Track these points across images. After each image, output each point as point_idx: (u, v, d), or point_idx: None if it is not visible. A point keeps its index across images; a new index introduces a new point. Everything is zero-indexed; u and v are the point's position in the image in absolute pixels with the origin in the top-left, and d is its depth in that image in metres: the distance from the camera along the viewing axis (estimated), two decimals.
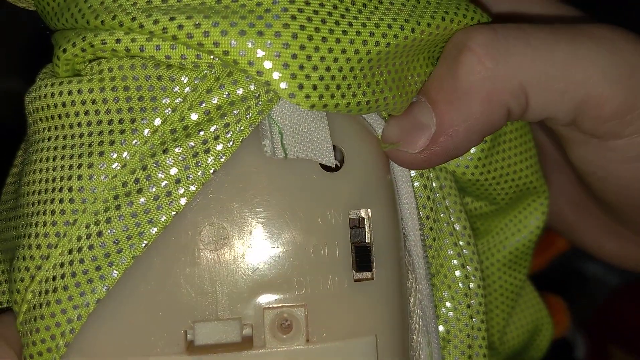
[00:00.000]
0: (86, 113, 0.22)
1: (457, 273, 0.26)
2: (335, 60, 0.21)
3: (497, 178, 0.28)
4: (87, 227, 0.21)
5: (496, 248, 0.31)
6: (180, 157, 0.21)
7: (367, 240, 0.23)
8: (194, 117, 0.21)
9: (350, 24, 0.21)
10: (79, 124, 0.22)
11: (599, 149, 0.26)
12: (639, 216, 0.29)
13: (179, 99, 0.21)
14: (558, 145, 0.29)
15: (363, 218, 0.23)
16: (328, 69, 0.21)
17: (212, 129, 0.21)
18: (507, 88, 0.23)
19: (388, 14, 0.22)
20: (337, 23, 0.21)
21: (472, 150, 0.26)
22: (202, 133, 0.21)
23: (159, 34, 0.21)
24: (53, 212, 0.22)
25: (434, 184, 0.26)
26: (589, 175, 0.27)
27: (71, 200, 0.21)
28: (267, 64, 0.20)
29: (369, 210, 0.23)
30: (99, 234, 0.21)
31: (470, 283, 0.26)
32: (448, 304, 0.26)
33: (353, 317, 0.23)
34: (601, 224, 0.32)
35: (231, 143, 0.21)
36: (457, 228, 0.27)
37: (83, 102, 0.22)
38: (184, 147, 0.21)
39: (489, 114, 0.23)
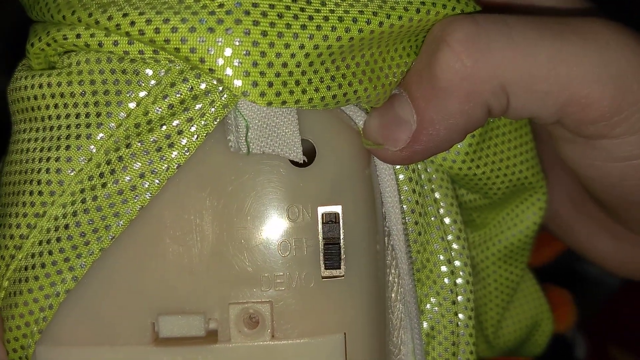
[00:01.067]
0: (55, 106, 0.22)
1: (443, 268, 0.26)
2: (293, 55, 0.20)
3: (487, 173, 0.27)
4: (56, 219, 0.22)
5: (491, 241, 0.30)
6: (143, 152, 0.21)
7: (338, 237, 0.23)
8: (158, 111, 0.21)
9: (311, 18, 0.21)
10: (50, 117, 0.22)
11: (585, 148, 0.25)
12: (630, 214, 0.28)
13: (143, 92, 0.21)
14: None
15: (335, 214, 0.23)
16: (285, 64, 0.20)
17: (175, 123, 0.21)
18: (486, 88, 0.22)
19: (355, 5, 0.21)
20: (295, 17, 0.21)
21: (459, 145, 0.25)
22: (164, 127, 0.21)
23: (114, 30, 0.21)
24: (24, 204, 0.22)
25: (422, 176, 0.25)
26: (579, 172, 0.27)
27: (40, 193, 0.22)
28: (219, 61, 0.20)
29: (341, 206, 0.23)
30: (66, 226, 0.22)
31: (458, 279, 0.26)
32: (433, 300, 0.26)
33: (320, 314, 0.23)
34: (597, 222, 0.32)
35: (195, 137, 0.21)
36: (447, 222, 0.26)
37: (52, 96, 0.22)
38: (147, 141, 0.21)
39: (468, 114, 0.22)
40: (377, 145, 0.23)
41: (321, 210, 0.23)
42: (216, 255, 0.22)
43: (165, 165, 0.21)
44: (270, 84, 0.20)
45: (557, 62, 0.22)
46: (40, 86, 0.22)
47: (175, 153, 0.21)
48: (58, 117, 0.22)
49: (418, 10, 0.22)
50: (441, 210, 0.26)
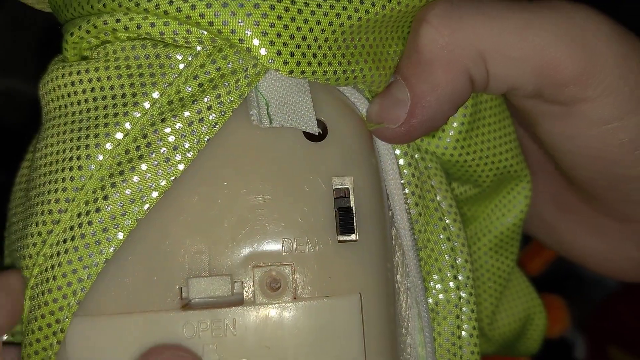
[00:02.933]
0: (92, 90, 0.24)
1: (444, 246, 0.27)
2: (311, 30, 0.23)
3: (476, 160, 0.29)
4: (94, 192, 0.23)
5: (482, 232, 0.32)
6: (177, 126, 0.23)
7: (351, 205, 0.24)
8: (189, 89, 0.23)
9: None
10: (86, 100, 0.24)
11: (565, 117, 0.26)
12: (615, 196, 0.29)
13: (175, 74, 0.23)
14: (539, 143, 0.30)
15: (347, 185, 0.25)
16: (304, 38, 0.23)
17: (206, 99, 0.23)
18: (465, 55, 0.24)
19: None
20: None
21: (451, 132, 0.28)
22: (196, 104, 0.23)
23: (153, 10, 0.23)
24: (64, 180, 0.23)
25: (419, 164, 0.27)
26: (560, 151, 0.28)
27: (80, 168, 0.23)
28: (247, 32, 0.22)
29: (352, 177, 0.25)
30: (105, 197, 0.23)
31: (457, 257, 0.27)
32: (435, 277, 0.27)
33: (338, 276, 0.24)
34: (581, 219, 0.33)
35: (223, 113, 0.23)
36: (443, 206, 0.28)
37: (90, 80, 0.24)
38: (180, 116, 0.23)
39: (453, 82, 0.24)
40: (379, 125, 0.25)
41: (334, 180, 0.24)
42: (240, 221, 0.23)
43: (197, 139, 0.23)
44: (292, 54, 0.23)
45: (526, 29, 0.24)
46: (78, 73, 0.24)
47: (205, 127, 0.23)
48: (95, 99, 0.24)
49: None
50: (438, 197, 0.28)
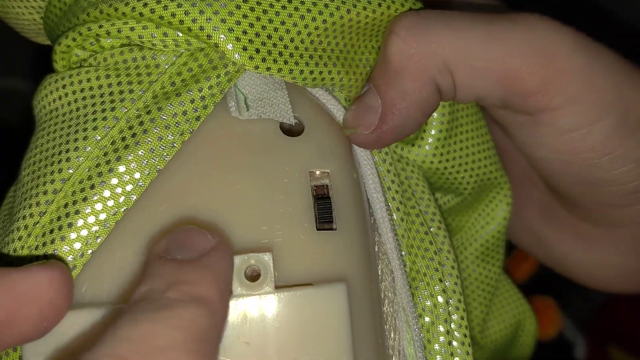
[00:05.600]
0: (82, 91, 0.25)
1: (427, 251, 0.27)
2: (276, 29, 0.24)
3: (456, 167, 0.29)
4: (81, 182, 0.23)
5: (468, 242, 0.32)
6: (162, 118, 0.24)
7: (329, 195, 0.24)
8: (173, 85, 0.24)
9: (289, 1, 0.24)
10: (76, 101, 0.25)
11: (533, 126, 0.27)
12: (594, 200, 0.29)
13: (160, 73, 0.24)
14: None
15: (325, 178, 0.25)
16: (269, 36, 0.24)
17: (189, 93, 0.24)
18: (431, 65, 0.25)
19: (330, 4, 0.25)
20: (277, 0, 0.24)
21: (430, 139, 0.29)
22: (179, 97, 0.24)
23: (130, 14, 0.24)
24: (52, 173, 0.23)
25: (400, 173, 0.28)
26: (535, 159, 0.29)
27: (67, 160, 0.23)
28: (215, 29, 0.24)
29: (329, 170, 0.25)
30: (92, 187, 0.23)
31: (443, 263, 0.27)
32: (421, 282, 0.27)
33: (320, 264, 0.23)
34: (568, 228, 0.33)
35: (205, 107, 0.24)
36: (427, 214, 0.28)
37: (80, 82, 0.25)
38: (165, 109, 0.24)
39: (420, 90, 0.26)
40: (353, 130, 0.26)
41: (312, 172, 0.25)
42: (219, 210, 0.23)
43: (180, 131, 0.24)
44: (257, 51, 0.24)
45: (488, 39, 0.25)
46: (71, 76, 0.25)
47: (188, 120, 0.24)
48: (84, 98, 0.25)
49: (380, 4, 0.26)
50: (421, 205, 0.28)
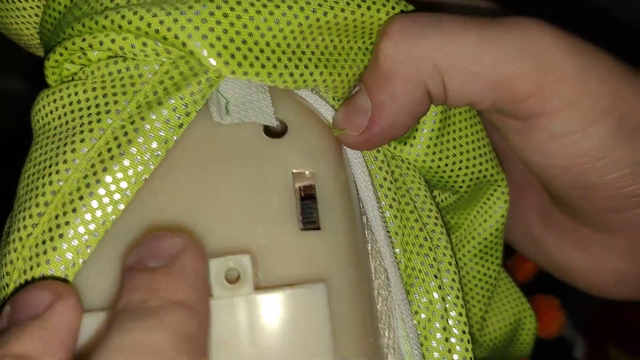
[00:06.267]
0: (70, 104, 0.25)
1: (422, 247, 0.27)
2: (250, 34, 0.24)
3: (450, 165, 0.29)
4: (70, 194, 0.24)
5: (466, 239, 0.32)
6: (146, 127, 0.24)
7: (313, 195, 0.24)
8: (155, 94, 0.24)
9: (264, 5, 0.24)
10: (65, 114, 0.25)
11: (527, 131, 0.27)
12: (591, 205, 0.29)
13: (143, 83, 0.25)
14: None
15: (309, 178, 0.25)
16: (244, 41, 0.24)
17: (171, 101, 0.24)
18: (422, 69, 0.25)
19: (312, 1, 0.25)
20: (251, 4, 0.24)
21: (422, 138, 0.29)
22: (161, 106, 0.24)
23: (109, 26, 0.24)
24: (43, 185, 0.24)
25: (394, 170, 0.28)
26: (530, 164, 0.29)
27: (57, 172, 0.24)
28: (189, 36, 0.24)
29: (314, 170, 0.25)
30: (80, 198, 0.23)
31: (440, 260, 0.27)
32: (416, 279, 0.27)
33: (302, 265, 0.23)
34: (567, 233, 0.33)
35: (188, 113, 0.24)
36: (423, 211, 0.28)
37: (69, 96, 0.25)
38: (148, 119, 0.24)
39: (410, 94, 0.26)
40: (342, 131, 0.26)
41: (296, 172, 0.25)
42: (202, 212, 0.24)
43: (164, 140, 0.24)
44: (232, 56, 0.24)
45: (481, 44, 0.25)
46: (61, 91, 0.25)
47: (171, 128, 0.24)
48: (72, 112, 0.25)
49: (359, 6, 0.26)
50: (416, 202, 0.28)
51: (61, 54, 0.26)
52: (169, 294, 0.20)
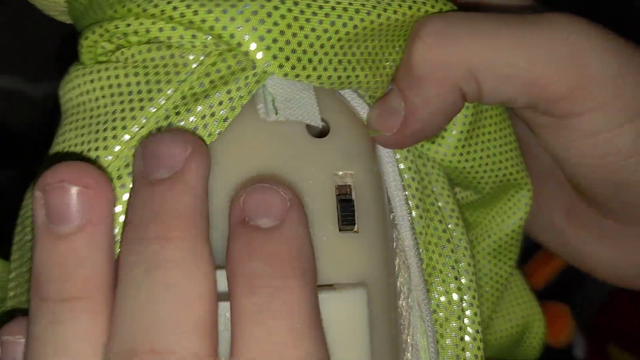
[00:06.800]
0: (110, 87, 0.25)
1: (445, 248, 0.28)
2: (306, 37, 0.24)
3: (475, 167, 0.30)
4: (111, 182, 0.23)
5: (482, 237, 0.32)
6: (190, 119, 0.24)
7: (352, 197, 0.25)
8: (201, 86, 0.24)
9: (320, 7, 0.24)
10: (104, 96, 0.25)
11: (559, 128, 0.27)
12: (620, 201, 0.30)
13: (188, 72, 0.24)
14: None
15: (348, 179, 0.25)
16: (300, 43, 0.24)
17: (217, 95, 0.24)
18: (456, 73, 0.25)
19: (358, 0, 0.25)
20: (308, 5, 0.24)
21: (450, 139, 0.29)
22: (208, 99, 0.24)
23: (159, 16, 0.24)
24: None
25: (420, 170, 0.28)
26: (560, 159, 0.29)
27: (97, 158, 0.24)
28: (245, 37, 0.24)
29: (354, 172, 0.25)
30: (122, 186, 0.23)
31: (460, 260, 0.28)
32: (437, 278, 0.27)
33: (340, 266, 0.24)
34: (593, 226, 0.33)
35: (233, 108, 0.24)
36: (445, 210, 0.28)
37: (108, 78, 0.25)
38: (194, 111, 0.24)
39: (444, 96, 0.26)
40: (377, 132, 0.26)
41: (336, 174, 0.25)
42: None
43: (208, 132, 0.24)
44: (287, 59, 0.24)
45: (516, 46, 0.25)
46: (99, 71, 0.25)
47: (215, 122, 0.24)
48: (112, 95, 0.25)
49: (410, 7, 0.26)
50: (440, 202, 0.28)
51: (101, 35, 0.25)
52: (288, 269, 0.21)
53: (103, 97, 0.25)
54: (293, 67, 0.24)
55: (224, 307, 0.22)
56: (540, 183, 0.33)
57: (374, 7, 0.25)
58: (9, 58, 0.39)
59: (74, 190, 0.21)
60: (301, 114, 0.25)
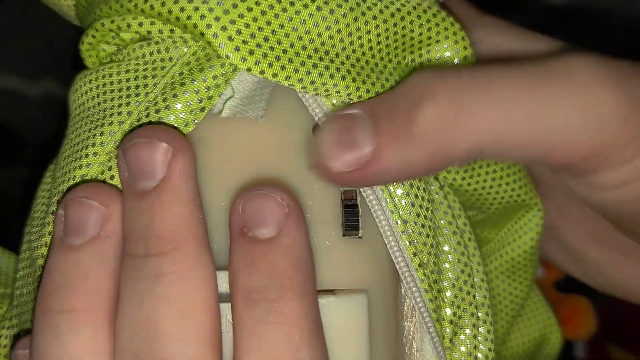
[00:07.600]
0: (104, 85, 0.25)
1: (458, 263, 0.27)
2: (273, 32, 0.23)
3: (479, 190, 0.28)
4: (102, 174, 0.24)
5: (494, 256, 0.32)
6: (166, 109, 0.24)
7: (356, 202, 0.24)
8: (180, 75, 0.24)
9: (292, 4, 0.23)
10: (98, 95, 0.25)
11: (578, 184, 0.26)
12: None
13: (171, 65, 0.24)
14: None
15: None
16: (266, 39, 0.23)
17: (193, 83, 0.23)
18: (459, 147, 0.22)
19: (344, 5, 0.24)
20: (279, 1, 0.23)
21: None
22: (184, 87, 0.24)
23: (134, 10, 0.24)
24: (74, 169, 0.24)
25: (432, 186, 0.27)
26: (586, 201, 0.27)
27: (87, 156, 0.24)
28: (209, 26, 0.23)
29: None
30: (112, 177, 0.24)
31: (474, 276, 0.27)
32: (448, 293, 0.26)
33: (342, 271, 0.24)
34: (627, 252, 0.32)
35: (210, 97, 0.24)
36: (459, 225, 0.27)
37: (103, 77, 0.25)
38: (170, 101, 0.24)
39: (430, 165, 0.23)
40: (323, 159, 0.23)
41: None
42: None
43: (184, 122, 0.23)
44: (251, 52, 0.23)
45: (535, 116, 0.22)
46: (97, 71, 0.25)
47: (192, 112, 0.24)
48: (104, 93, 0.25)
49: (392, 15, 0.24)
50: (448, 216, 0.27)
51: (93, 36, 0.26)
52: (286, 281, 0.21)
53: (98, 95, 0.25)
54: (257, 63, 0.23)
55: (225, 308, 0.22)
56: (557, 210, 0.32)
57: (351, 9, 0.24)
58: (9, 58, 0.39)
59: (91, 203, 0.22)
60: (252, 111, 0.24)
